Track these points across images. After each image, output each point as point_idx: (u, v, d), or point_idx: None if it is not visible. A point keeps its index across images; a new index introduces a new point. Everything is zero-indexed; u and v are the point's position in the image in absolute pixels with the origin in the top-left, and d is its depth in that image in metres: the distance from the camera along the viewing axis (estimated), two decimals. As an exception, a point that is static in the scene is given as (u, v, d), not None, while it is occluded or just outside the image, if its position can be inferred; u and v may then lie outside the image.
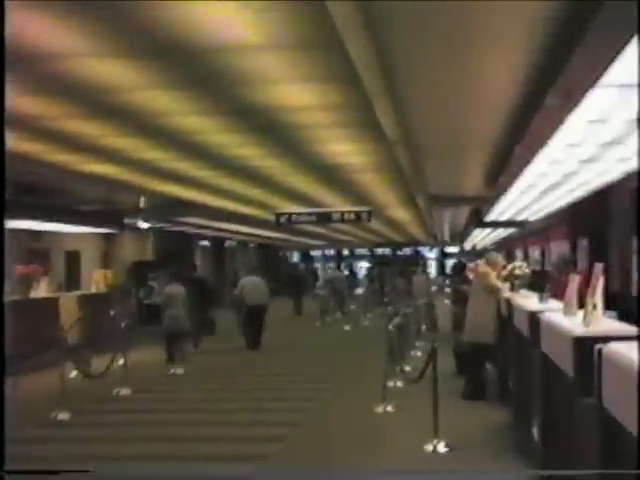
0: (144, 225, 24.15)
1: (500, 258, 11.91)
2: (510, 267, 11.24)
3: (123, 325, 12.80)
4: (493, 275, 11.43)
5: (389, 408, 10.28)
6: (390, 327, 11.04)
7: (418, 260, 58.03)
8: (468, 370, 11.55)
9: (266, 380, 13.78)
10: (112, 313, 14.78)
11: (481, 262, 12.95)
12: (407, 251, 61.58)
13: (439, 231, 39.76)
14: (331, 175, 17.41)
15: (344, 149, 14.03)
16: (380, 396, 10.46)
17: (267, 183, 18.87)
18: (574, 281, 6.40)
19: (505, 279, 11.31)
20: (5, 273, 5.52)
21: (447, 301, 34.46)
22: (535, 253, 32.94)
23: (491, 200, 17.76)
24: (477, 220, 22.00)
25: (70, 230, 21.78)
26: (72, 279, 23.58)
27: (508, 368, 10.39)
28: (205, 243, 40.00)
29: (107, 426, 10.05)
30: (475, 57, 7.89)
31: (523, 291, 11.16)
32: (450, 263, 58.80)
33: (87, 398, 11.66)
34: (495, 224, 21.65)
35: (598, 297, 5.15)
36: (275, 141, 13.40)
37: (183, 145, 13.73)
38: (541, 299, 8.34)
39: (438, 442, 8.05)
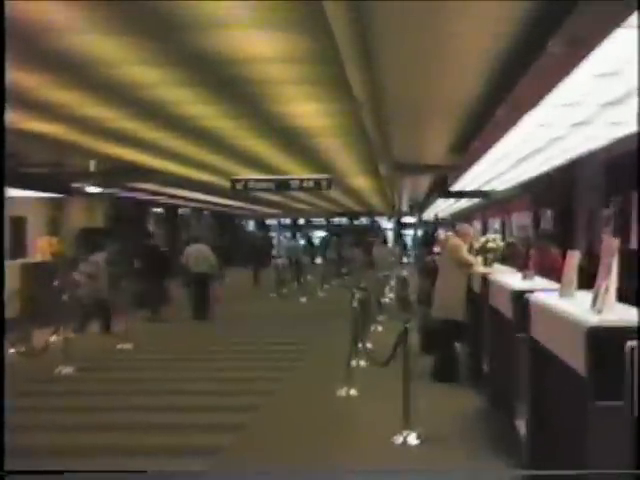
0: (94, 190, 23.01)
1: (472, 230, 11.12)
2: (483, 240, 10.50)
3: (65, 297, 11.78)
4: (464, 248, 10.67)
5: (352, 391, 9.48)
6: (354, 304, 10.19)
7: (376, 230, 57.42)
8: (437, 349, 10.78)
9: (215, 359, 12.86)
10: (55, 283, 13.77)
11: (450, 233, 12.21)
12: (363, 221, 60.88)
13: (398, 201, 39.04)
14: (291, 139, 16.48)
15: (307, 109, 13.08)
16: (342, 378, 9.65)
17: (223, 146, 17.92)
18: (572, 257, 5.62)
19: (477, 252, 10.58)
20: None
21: (405, 272, 34.02)
22: (495, 225, 32.41)
23: (459, 169, 17.03)
24: (442, 189, 21.29)
25: (15, 194, 20.58)
26: (17, 247, 22.47)
27: (481, 349, 9.67)
28: (159, 210, 38.88)
29: (46, 411, 9.09)
30: (452, 17, 7.15)
31: (497, 266, 10.43)
32: (408, 234, 58.43)
33: (25, 378, 10.68)
34: (461, 194, 20.92)
35: (613, 278, 4.34)
36: (231, 98, 12.44)
37: (131, 101, 12.77)
38: (525, 277, 7.57)
39: (408, 433, 7.26)
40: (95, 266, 15.31)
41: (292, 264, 29.35)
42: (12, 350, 11.79)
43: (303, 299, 23.52)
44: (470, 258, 10.57)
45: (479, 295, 9.74)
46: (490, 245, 10.29)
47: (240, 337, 15.42)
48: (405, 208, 47.01)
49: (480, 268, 10.32)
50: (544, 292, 6.07)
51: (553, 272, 8.24)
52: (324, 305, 22.51)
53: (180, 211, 42.16)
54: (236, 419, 8.39)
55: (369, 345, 11.13)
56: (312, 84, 11.26)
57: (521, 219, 25.87)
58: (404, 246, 47.35)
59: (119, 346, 13.63)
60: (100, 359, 12.75)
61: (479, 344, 9.87)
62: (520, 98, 9.36)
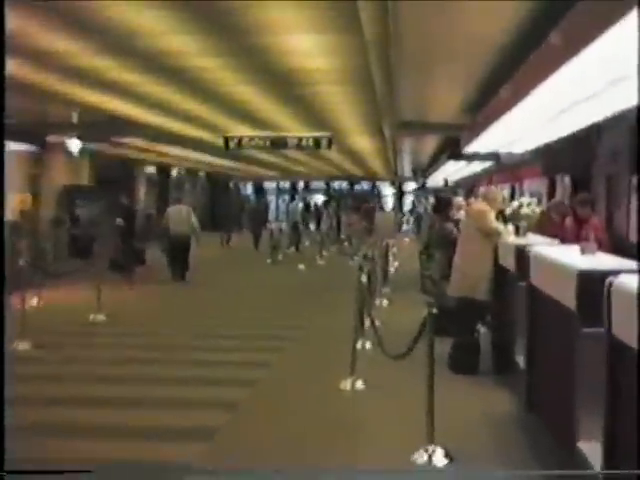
0: (76, 144, 21.24)
1: (500, 194, 9.43)
2: (516, 204, 8.86)
3: (22, 262, 10.09)
4: (492, 215, 9.03)
5: (359, 384, 7.86)
6: (363, 278, 8.48)
7: (377, 196, 55.82)
8: (455, 333, 9.11)
9: (199, 338, 11.24)
10: (24, 245, 12.14)
11: (472, 199, 10.56)
12: (364, 186, 59.12)
13: (400, 165, 37.26)
14: (289, 86, 14.60)
15: (307, 46, 11.21)
16: (347, 366, 8.03)
17: (216, 99, 16.15)
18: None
19: (508, 219, 8.95)
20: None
21: (407, 239, 32.37)
22: (504, 192, 30.68)
23: (472, 129, 15.30)
24: (453, 151, 19.57)
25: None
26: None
27: (511, 337, 8.05)
28: (151, 171, 37.06)
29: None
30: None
31: (531, 236, 8.78)
32: (408, 200, 56.71)
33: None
34: (476, 157, 19.17)
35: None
36: (225, 41, 10.74)
37: (121, 48, 11.13)
38: (584, 251, 5.88)
39: (434, 450, 5.66)
40: None
41: (291, 229, 27.83)
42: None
43: (301, 266, 21.85)
44: (498, 225, 8.95)
45: (510, 271, 8.12)
46: (524, 211, 8.67)
47: (223, 312, 13.79)
48: (407, 173, 45.27)
49: (511, 237, 8.70)
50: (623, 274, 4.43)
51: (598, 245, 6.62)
52: (324, 273, 20.90)
53: (173, 172, 40.34)
54: (218, 416, 6.80)
55: (377, 323, 9.44)
56: (314, 16, 9.53)
57: (534, 186, 24.21)
58: (403, 213, 45.64)
59: (91, 317, 12.05)
60: (70, 333, 11.18)
61: (508, 331, 8.27)
62: (549, 52, 7.76)
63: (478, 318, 9.18)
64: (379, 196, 57.81)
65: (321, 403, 7.44)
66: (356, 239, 28.88)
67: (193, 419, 6.88)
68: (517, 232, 8.78)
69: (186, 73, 13.13)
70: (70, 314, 12.70)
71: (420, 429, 5.70)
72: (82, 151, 25.29)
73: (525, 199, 8.95)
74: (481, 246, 8.96)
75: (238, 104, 17.06)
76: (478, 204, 9.31)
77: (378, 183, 58.57)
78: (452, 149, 20.39)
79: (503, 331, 8.54)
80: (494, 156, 20.01)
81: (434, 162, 28.68)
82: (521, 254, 7.65)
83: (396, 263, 21.08)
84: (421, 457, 5.62)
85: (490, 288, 8.87)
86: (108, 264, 12.89)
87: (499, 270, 8.75)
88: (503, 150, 17.04)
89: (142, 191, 35.28)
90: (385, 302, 13.69)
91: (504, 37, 9.37)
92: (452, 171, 25.51)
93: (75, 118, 20.11)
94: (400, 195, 58.52)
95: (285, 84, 14.22)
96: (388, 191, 60.46)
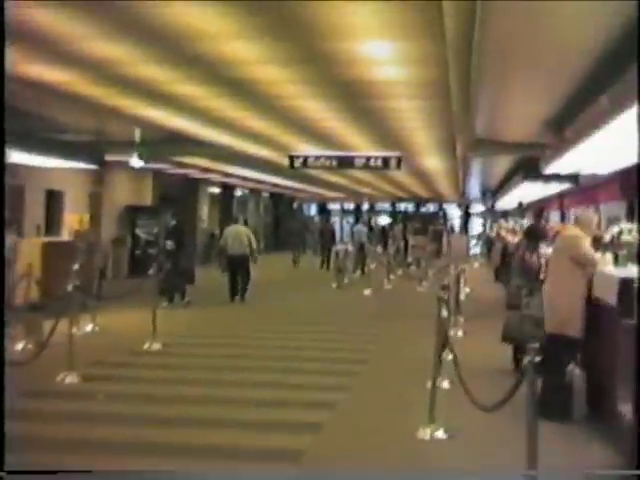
0: (137, 163, 20.68)
1: (595, 218, 8.45)
2: (615, 230, 7.87)
3: (70, 288, 9.37)
4: (587, 242, 8.07)
5: (439, 433, 6.95)
6: (444, 313, 7.53)
7: (443, 218, 54.67)
8: (544, 374, 8.11)
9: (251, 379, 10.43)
10: (75, 267, 11.50)
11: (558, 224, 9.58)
12: (429, 207, 57.97)
13: (468, 186, 36.11)
14: (358, 99, 13.65)
15: (380, 54, 10.26)
16: (424, 410, 7.13)
17: (280, 112, 15.34)
18: None
19: (605, 247, 7.98)
20: None
21: (476, 264, 31.26)
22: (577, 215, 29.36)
23: (554, 149, 14.28)
24: (531, 172, 18.56)
25: (50, 165, 18.32)
26: (52, 224, 20.33)
27: (610, 380, 7.07)
28: (214, 190, 36.56)
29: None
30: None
31: (632, 266, 7.79)
32: (477, 223, 55.30)
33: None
34: (552, 178, 18.12)
35: None
36: (288, 40, 9.92)
37: (184, 60, 10.48)
38: None
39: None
40: None
41: (357, 251, 27.00)
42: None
43: (367, 291, 20.88)
44: (595, 255, 7.99)
45: (609, 306, 7.16)
46: (625, 238, 7.67)
47: (279, 341, 12.96)
48: (474, 195, 44.10)
49: (609, 268, 7.75)
50: None
51: None
52: (391, 299, 19.96)
53: (236, 192, 39.82)
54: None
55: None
56: (392, 21, 8.68)
57: (612, 209, 22.97)
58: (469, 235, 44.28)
59: (146, 345, 11.33)
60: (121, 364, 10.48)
61: (607, 373, 7.29)
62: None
63: (569, 357, 8.18)
64: (445, 218, 56.66)
65: (396, 454, 6.54)
66: (424, 262, 27.93)
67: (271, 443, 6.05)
68: (616, 261, 7.83)
69: (250, 85, 12.40)
70: (124, 341, 12.00)
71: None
72: (144, 170, 24.87)
73: (626, 224, 7.89)
74: (574, 277, 8.00)
75: (304, 121, 16.29)
76: (571, 229, 8.36)
77: (444, 205, 57.39)
78: (528, 169, 19.38)
79: (601, 373, 7.56)
80: (573, 178, 18.95)
81: (505, 183, 27.58)
82: (626, 288, 6.71)
83: (467, 289, 20.05)
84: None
85: (583, 324, 7.92)
86: (158, 289, 12.20)
87: (594, 304, 7.79)
88: (587, 171, 15.95)
89: (205, 210, 34.78)
90: (460, 333, 12.76)
91: (598, 46, 8.48)
92: (526, 193, 24.35)
93: (137, 135, 19.60)
94: (467, 217, 57.31)
95: (354, 97, 13.37)
96: (454, 213, 59.28)
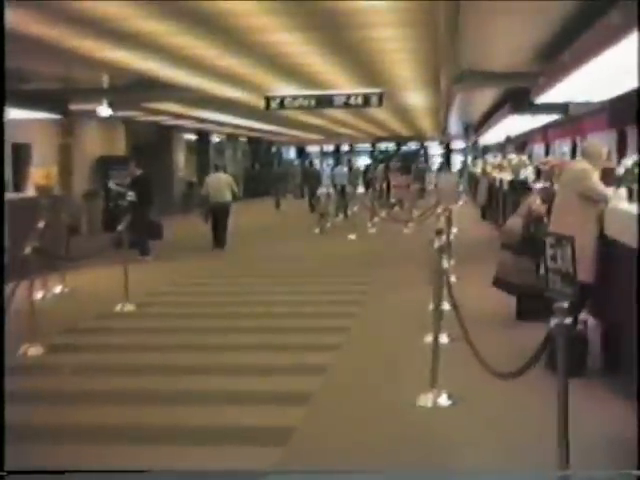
0: (105, 111, 19.67)
1: (605, 149, 7.65)
2: (629, 162, 7.08)
3: (28, 250, 8.49)
4: (596, 175, 7.30)
5: (442, 399, 6.20)
6: (444, 264, 6.74)
7: (424, 156, 53.81)
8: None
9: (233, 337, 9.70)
10: (40, 226, 10.64)
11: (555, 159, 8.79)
12: (412, 147, 56.96)
13: (451, 122, 35.12)
14: (336, 29, 12.63)
15: None
16: (424, 373, 6.39)
17: (254, 49, 14.31)
18: None
19: (618, 182, 7.22)
20: None
21: (461, 202, 30.45)
22: (563, 148, 28.49)
23: (544, 79, 13.41)
24: (515, 104, 17.74)
25: (16, 116, 17.23)
26: (20, 179, 19.36)
27: (628, 325, 6.35)
28: (190, 137, 35.50)
29: None
30: None
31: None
32: (458, 160, 54.39)
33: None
34: (540, 109, 17.25)
35: None
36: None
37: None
38: None
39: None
40: None
41: (339, 194, 26.21)
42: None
43: (352, 236, 20.10)
44: (606, 189, 7.23)
45: (627, 247, 6.41)
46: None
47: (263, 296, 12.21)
48: (455, 131, 43.14)
49: (623, 204, 6.99)
50: None
51: None
52: (377, 243, 19.19)
53: (214, 138, 38.75)
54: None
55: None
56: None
57: (601, 140, 22.15)
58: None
59: (118, 307, 10.54)
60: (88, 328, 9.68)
61: (625, 321, 6.56)
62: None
63: (580, 304, 7.47)
64: (426, 156, 55.77)
65: (394, 427, 5.80)
66: (408, 202, 27.16)
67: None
68: (630, 197, 7.07)
69: (220, 19, 11.40)
70: (95, 304, 11.16)
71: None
72: (116, 119, 23.85)
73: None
74: (583, 215, 7.26)
75: (279, 57, 15.28)
76: (578, 162, 7.57)
77: (426, 143, 56.40)
78: (515, 101, 18.52)
79: (617, 323, 6.83)
80: (562, 108, 18.11)
81: (490, 117, 26.67)
82: (649, 226, 5.95)
83: (454, 229, 19.30)
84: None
85: (595, 267, 7.19)
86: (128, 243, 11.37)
87: (607, 244, 7.04)
88: (580, 100, 15.10)
89: (181, 159, 33.78)
90: (453, 278, 12.02)
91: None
92: (511, 127, 23.44)
93: (104, 82, 18.58)
94: (448, 154, 56.36)
95: (333, 28, 12.36)
96: (436, 150, 58.31)
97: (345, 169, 30.87)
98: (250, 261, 16.06)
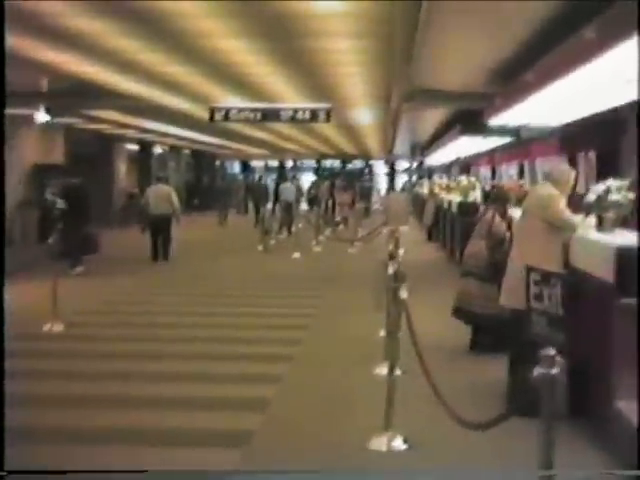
0: (43, 117, 18.88)
1: (572, 173, 7.20)
2: (601, 189, 6.62)
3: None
4: (563, 201, 6.84)
5: (397, 443, 5.63)
6: (402, 295, 6.20)
7: (370, 175, 53.64)
8: (512, 357, 6.88)
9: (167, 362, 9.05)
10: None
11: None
12: (356, 164, 56.74)
13: (398, 141, 34.82)
14: (285, 37, 12.06)
15: None
16: (377, 408, 5.84)
17: (199, 55, 13.71)
18: None
19: (589, 209, 6.76)
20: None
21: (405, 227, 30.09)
22: (509, 171, 28.29)
23: (501, 100, 13.04)
24: (466, 125, 17.42)
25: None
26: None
27: (601, 365, 5.88)
28: (132, 148, 34.65)
29: None
30: None
31: (620, 231, 6.56)
32: (401, 180, 54.22)
33: None
34: (492, 131, 16.93)
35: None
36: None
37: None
38: None
39: None
40: None
41: (283, 210, 25.65)
42: None
43: (296, 254, 19.50)
44: (573, 216, 6.77)
45: (596, 280, 5.95)
46: (613, 198, 6.42)
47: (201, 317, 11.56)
48: (402, 151, 42.89)
49: (592, 233, 6.54)
50: None
51: None
52: (323, 263, 18.62)
53: (156, 149, 37.91)
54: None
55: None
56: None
57: (551, 163, 21.91)
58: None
59: (46, 327, 9.79)
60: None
61: (596, 360, 6.08)
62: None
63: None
64: (371, 175, 55.58)
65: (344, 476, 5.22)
66: (353, 221, 26.67)
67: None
68: (600, 225, 6.61)
69: (163, 22, 10.81)
70: (22, 322, 10.36)
71: None
72: (55, 125, 23.02)
73: (614, 182, 6.61)
74: (547, 243, 6.79)
75: (226, 66, 14.70)
76: (543, 187, 7.09)
77: (371, 162, 56.22)
78: (466, 122, 18.18)
79: (584, 361, 6.34)
80: (514, 131, 17.82)
81: (438, 138, 26.37)
82: (625, 259, 5.49)
83: (401, 251, 18.80)
84: None
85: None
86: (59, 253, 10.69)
87: (573, 275, 6.56)
88: (537, 123, 14.78)
89: (122, 169, 32.90)
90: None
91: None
92: (462, 148, 23.10)
93: (42, 86, 17.84)
94: (392, 174, 56.19)
95: (282, 36, 11.80)
96: (381, 170, 58.16)
97: (291, 185, 30.38)
98: (186, 280, 15.17)
